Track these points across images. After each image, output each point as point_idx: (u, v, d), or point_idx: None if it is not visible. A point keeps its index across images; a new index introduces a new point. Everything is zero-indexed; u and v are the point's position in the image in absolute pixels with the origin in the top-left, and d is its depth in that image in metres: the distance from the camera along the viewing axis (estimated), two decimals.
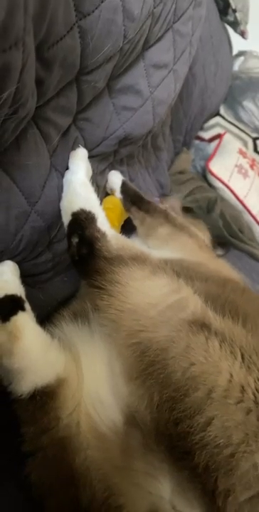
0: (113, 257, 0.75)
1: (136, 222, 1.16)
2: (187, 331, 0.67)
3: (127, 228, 1.18)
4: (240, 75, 2.45)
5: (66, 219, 0.83)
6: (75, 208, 0.82)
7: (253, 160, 2.14)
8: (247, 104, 2.33)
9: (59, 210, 0.86)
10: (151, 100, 1.07)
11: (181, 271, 0.95)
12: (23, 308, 0.71)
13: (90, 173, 0.93)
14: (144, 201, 1.18)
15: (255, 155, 2.25)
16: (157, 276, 0.75)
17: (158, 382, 0.62)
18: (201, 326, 0.69)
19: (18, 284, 0.75)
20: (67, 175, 0.87)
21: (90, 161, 1.00)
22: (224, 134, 2.25)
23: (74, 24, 0.72)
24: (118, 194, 1.19)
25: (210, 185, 2.01)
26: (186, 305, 0.72)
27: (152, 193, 1.55)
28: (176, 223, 1.14)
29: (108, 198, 1.20)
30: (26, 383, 0.65)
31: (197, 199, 1.87)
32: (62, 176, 0.88)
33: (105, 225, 0.83)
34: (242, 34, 2.04)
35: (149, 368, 0.63)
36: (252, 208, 1.95)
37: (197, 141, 2.27)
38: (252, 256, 1.88)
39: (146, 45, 0.99)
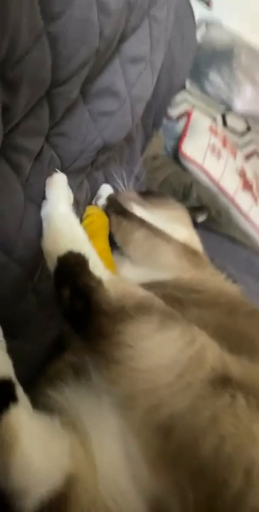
0: (115, 310, 0.62)
1: (112, 229, 1.03)
2: (210, 394, 0.57)
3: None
4: (203, 45, 2.28)
5: (51, 264, 0.69)
6: (61, 250, 0.68)
7: (224, 137, 2.01)
8: (213, 77, 2.18)
9: (40, 249, 0.71)
10: (130, 99, 0.91)
11: (182, 295, 0.83)
12: (14, 398, 0.56)
13: (71, 199, 0.77)
14: (125, 210, 1.05)
15: (224, 130, 2.12)
16: (167, 327, 0.62)
17: (190, 474, 0.51)
18: (223, 382, 0.59)
19: (5, 359, 0.60)
20: (46, 208, 0.72)
21: (68, 178, 0.85)
22: (192, 111, 2.09)
23: (42, 31, 0.55)
24: (102, 201, 1.06)
25: (183, 168, 1.87)
26: (204, 359, 0.61)
27: (128, 188, 1.40)
28: (151, 227, 1.01)
29: (93, 207, 1.06)
30: (30, 500, 0.51)
31: (173, 186, 1.74)
32: (40, 207, 0.73)
33: (99, 266, 0.69)
34: (208, 4, 1.86)
35: (176, 457, 0.52)
36: (228, 189, 1.84)
37: (165, 121, 2.10)
38: (232, 240, 1.78)
39: (122, 39, 0.82)
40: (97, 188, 1.08)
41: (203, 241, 1.59)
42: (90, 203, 1.05)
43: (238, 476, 0.50)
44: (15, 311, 0.72)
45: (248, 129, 2.17)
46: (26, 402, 0.59)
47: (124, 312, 0.62)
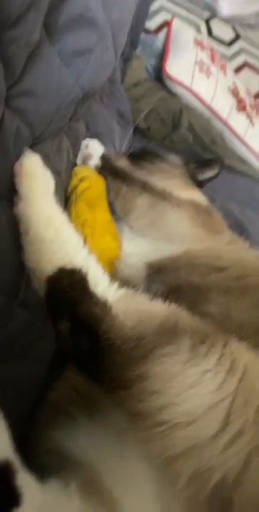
0: (132, 345, 0.46)
1: (111, 196, 0.84)
2: None
3: None
4: None
5: (39, 287, 0.51)
6: (49, 268, 0.50)
7: (212, 49, 1.73)
8: None
9: (19, 259, 0.52)
10: (110, 28, 0.67)
11: (200, 279, 0.66)
12: (16, 497, 0.40)
13: (52, 184, 0.57)
14: (122, 171, 0.87)
15: (211, 41, 1.83)
16: (201, 355, 0.47)
17: None
18: None
19: (3, 434, 0.43)
20: (20, 207, 0.52)
21: (42, 145, 0.64)
22: (172, 19, 1.78)
23: None
24: (95, 161, 0.85)
25: (170, 91, 1.61)
26: (251, 388, 0.47)
27: (113, 130, 1.17)
28: (155, 191, 0.83)
29: (84, 168, 0.85)
30: None
31: (160, 115, 1.50)
32: (8, 200, 0.53)
33: (102, 280, 0.52)
34: None
35: None
36: (221, 111, 1.60)
37: (142, 35, 1.79)
38: (229, 169, 1.58)
39: None
40: (80, 143, 0.86)
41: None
42: (75, 164, 0.84)
43: None
44: (3, 337, 0.55)
45: (237, 37, 1.87)
46: (33, 489, 0.43)
47: (143, 346, 0.46)
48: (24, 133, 0.56)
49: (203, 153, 1.56)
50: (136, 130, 1.46)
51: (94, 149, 0.86)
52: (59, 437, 0.53)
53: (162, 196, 0.80)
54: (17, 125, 0.54)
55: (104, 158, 0.86)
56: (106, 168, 0.84)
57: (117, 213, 0.81)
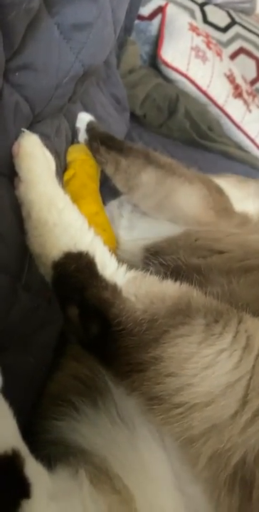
0: (144, 328, 0.44)
1: (109, 170, 0.78)
2: None
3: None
4: None
5: (46, 273, 0.49)
6: (55, 253, 0.47)
7: (207, 35, 1.70)
8: None
9: (22, 237, 0.50)
10: (110, 1, 0.65)
11: (201, 262, 0.64)
12: (25, 487, 0.37)
13: (53, 165, 0.55)
14: (115, 139, 0.80)
15: (206, 27, 1.80)
16: (216, 334, 0.45)
17: None
18: None
19: (10, 422, 0.41)
20: (21, 190, 0.50)
21: (42, 125, 0.61)
22: (166, 5, 1.75)
23: None
24: (82, 135, 0.81)
25: (165, 78, 1.59)
26: None
27: (111, 115, 1.15)
28: (161, 164, 0.75)
29: (75, 146, 0.81)
30: None
31: (156, 102, 1.47)
32: (10, 178, 0.50)
33: (110, 263, 0.50)
34: None
35: None
36: (217, 98, 1.58)
37: (136, 21, 1.76)
38: (226, 155, 1.57)
39: None
40: None
41: (196, 161, 1.36)
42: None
43: None
44: (5, 320, 0.53)
45: (232, 22, 1.85)
46: (42, 478, 0.41)
47: (156, 328, 0.44)
48: (24, 109, 0.54)
49: (200, 140, 1.54)
50: (133, 117, 1.44)
51: (80, 122, 0.81)
52: (63, 428, 0.51)
53: (171, 169, 0.73)
54: (16, 100, 0.52)
55: (90, 128, 0.79)
56: (95, 138, 0.78)
57: (118, 188, 0.76)
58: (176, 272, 0.60)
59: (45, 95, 0.57)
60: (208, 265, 0.62)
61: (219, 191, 0.76)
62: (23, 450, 0.40)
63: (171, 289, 0.50)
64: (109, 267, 0.50)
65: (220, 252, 0.65)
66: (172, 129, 1.51)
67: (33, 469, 0.39)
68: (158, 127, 1.51)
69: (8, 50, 0.47)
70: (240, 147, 1.65)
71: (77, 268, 0.48)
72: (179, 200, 0.72)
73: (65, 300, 0.48)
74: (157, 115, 1.50)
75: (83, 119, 0.82)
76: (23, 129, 0.52)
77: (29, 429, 0.52)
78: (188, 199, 0.72)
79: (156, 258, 0.64)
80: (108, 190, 0.89)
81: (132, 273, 0.51)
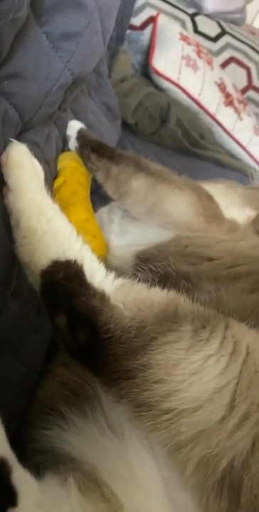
0: (132, 335, 0.44)
1: (99, 177, 0.78)
2: None
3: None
4: None
5: (34, 281, 0.49)
6: (44, 261, 0.48)
7: (198, 45, 1.72)
8: None
9: (9, 247, 0.50)
10: (98, 11, 0.66)
11: (190, 269, 0.64)
12: (12, 496, 0.38)
13: (42, 174, 0.55)
14: (106, 146, 0.80)
15: (196, 37, 1.83)
16: (203, 340, 0.46)
17: None
18: None
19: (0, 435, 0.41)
20: (10, 199, 0.50)
21: (31, 133, 0.62)
22: (157, 16, 1.78)
23: None
24: (73, 143, 0.82)
25: (157, 87, 1.61)
26: (256, 369, 0.46)
27: (102, 123, 1.16)
28: (151, 171, 0.76)
29: (66, 154, 0.82)
30: None
31: (148, 110, 1.48)
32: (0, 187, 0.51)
33: (98, 270, 0.50)
34: None
35: None
36: (208, 106, 1.60)
37: (127, 31, 1.78)
38: (218, 163, 1.58)
39: None
40: None
41: (188, 169, 1.37)
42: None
43: None
44: None
45: (222, 32, 1.87)
46: (30, 486, 0.41)
47: (144, 335, 0.44)
48: (13, 117, 0.54)
49: (192, 148, 1.55)
50: (125, 126, 1.45)
51: (71, 129, 0.82)
52: (51, 437, 0.51)
53: (161, 176, 0.74)
54: (5, 108, 0.52)
55: (81, 135, 0.80)
56: (86, 146, 0.78)
57: (109, 195, 0.76)
58: (165, 279, 0.60)
59: (35, 103, 0.58)
60: (197, 272, 0.62)
61: (209, 198, 0.76)
62: (11, 458, 0.40)
63: (158, 296, 0.50)
64: (97, 275, 0.50)
65: (210, 259, 0.66)
66: (164, 137, 1.53)
67: (21, 478, 0.39)
68: (150, 135, 1.52)
69: None
70: (231, 155, 1.67)
71: (66, 276, 0.48)
72: (169, 206, 0.72)
73: (53, 308, 0.48)
74: (149, 123, 1.51)
75: (74, 126, 0.83)
76: (11, 138, 0.53)
77: (18, 437, 0.52)
78: (178, 205, 0.73)
79: (146, 265, 0.64)
80: (99, 198, 0.89)
81: (120, 281, 0.51)
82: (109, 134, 1.17)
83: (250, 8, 2.13)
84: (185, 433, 0.42)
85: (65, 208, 0.68)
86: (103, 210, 0.87)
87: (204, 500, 0.40)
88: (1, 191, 0.51)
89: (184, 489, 0.42)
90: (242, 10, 1.96)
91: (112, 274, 0.51)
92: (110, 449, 0.47)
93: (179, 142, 1.52)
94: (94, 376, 0.48)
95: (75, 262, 0.49)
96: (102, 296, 0.47)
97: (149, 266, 0.63)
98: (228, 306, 0.55)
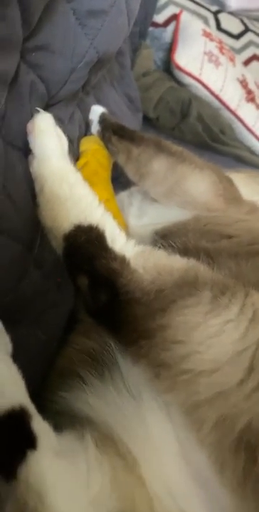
0: (152, 297, 0.45)
1: (120, 159, 0.80)
2: None
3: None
4: None
5: (57, 245, 0.51)
6: (66, 226, 0.49)
7: (221, 41, 1.73)
8: None
9: (34, 214, 0.52)
10: None
11: (210, 245, 0.65)
12: (31, 440, 0.39)
13: (66, 143, 0.57)
14: (126, 129, 0.82)
15: (219, 34, 1.83)
16: (223, 306, 0.46)
17: None
18: None
19: (12, 376, 0.43)
20: (34, 165, 0.52)
21: (56, 109, 0.63)
22: (180, 12, 1.79)
23: None
24: (95, 127, 0.83)
25: (178, 82, 1.62)
26: None
27: (124, 113, 1.17)
28: (172, 151, 0.77)
29: (89, 137, 0.83)
30: None
31: (169, 104, 1.50)
32: (24, 152, 0.52)
33: (119, 236, 0.51)
34: None
35: None
36: (230, 102, 1.60)
37: (150, 28, 1.79)
38: (238, 159, 1.58)
39: None
40: None
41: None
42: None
43: None
44: (16, 293, 0.54)
45: (245, 30, 1.87)
46: (48, 434, 0.42)
47: (163, 297, 0.45)
48: (39, 88, 0.56)
49: (213, 144, 1.56)
50: (146, 120, 1.46)
51: (93, 113, 0.83)
52: (70, 399, 0.52)
53: (181, 157, 0.74)
54: (32, 79, 0.54)
55: (102, 119, 0.81)
56: (107, 129, 0.80)
57: (130, 178, 0.77)
58: (183, 254, 0.61)
59: (61, 78, 0.60)
60: (216, 249, 0.63)
61: (229, 181, 0.77)
62: (31, 408, 0.42)
63: (178, 262, 0.51)
64: (118, 240, 0.51)
65: (229, 237, 0.66)
66: (184, 131, 1.53)
67: (40, 426, 0.41)
68: (170, 130, 1.53)
69: (26, 29, 0.50)
70: (252, 151, 1.66)
71: (87, 240, 0.49)
72: (189, 186, 0.73)
73: (75, 271, 0.50)
74: (170, 118, 1.52)
75: (96, 110, 0.85)
76: (37, 108, 0.54)
77: (37, 402, 0.54)
78: (198, 185, 0.73)
79: (165, 240, 0.65)
80: (121, 186, 0.91)
81: (141, 247, 0.52)
82: (131, 125, 1.18)
83: None
84: (203, 393, 0.42)
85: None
86: (123, 194, 0.88)
87: (221, 459, 0.41)
88: (26, 157, 0.52)
89: (200, 449, 0.42)
90: None
91: (133, 241, 0.53)
92: (127, 410, 0.48)
93: (199, 137, 1.53)
94: (113, 337, 0.49)
95: (97, 226, 0.50)
96: (123, 260, 0.49)
97: (168, 241, 0.64)
98: (248, 280, 0.55)
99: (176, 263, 0.51)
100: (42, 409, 0.51)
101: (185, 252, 0.62)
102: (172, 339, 0.44)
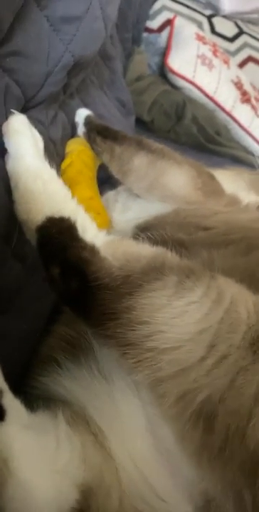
0: (119, 282, 0.48)
1: (105, 158, 0.83)
2: (252, 362, 0.45)
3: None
4: None
5: (31, 237, 0.54)
6: (39, 218, 0.52)
7: (214, 44, 1.76)
8: None
9: (11, 210, 0.55)
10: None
11: (186, 236, 0.67)
12: (1, 413, 0.42)
13: (41, 143, 0.60)
14: (110, 129, 0.85)
15: (214, 37, 1.86)
16: (187, 288, 0.48)
17: (243, 469, 0.40)
18: None
19: None
20: (10, 164, 0.55)
21: (36, 111, 0.67)
22: (174, 17, 1.83)
23: None
24: (81, 129, 0.87)
25: (173, 85, 1.65)
26: (238, 317, 0.48)
27: (115, 116, 1.21)
28: (152, 149, 0.80)
29: (75, 139, 0.87)
30: None
31: (163, 107, 1.53)
32: (3, 157, 0.56)
33: (90, 227, 0.54)
34: None
35: (223, 449, 0.41)
36: (224, 103, 1.63)
37: (145, 34, 1.84)
38: (234, 159, 1.60)
39: None
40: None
41: (205, 165, 1.40)
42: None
43: None
44: None
45: (240, 32, 1.90)
46: (18, 410, 0.45)
47: (130, 282, 0.48)
48: (15, 91, 0.59)
49: (208, 145, 1.58)
50: (141, 123, 1.50)
51: (79, 116, 0.86)
52: (48, 383, 0.55)
53: (161, 153, 0.78)
54: (7, 83, 0.58)
55: (88, 121, 0.85)
56: (92, 130, 0.83)
57: (114, 175, 0.80)
58: (160, 245, 0.64)
59: (36, 81, 0.63)
60: (192, 240, 0.65)
61: (210, 176, 0.79)
62: (3, 385, 0.44)
63: (146, 249, 0.53)
64: (89, 231, 0.54)
65: (206, 229, 0.68)
66: (180, 134, 1.56)
67: (10, 401, 0.44)
68: (166, 133, 1.56)
69: None
70: (248, 151, 1.68)
71: (59, 231, 0.52)
72: (168, 180, 0.76)
73: (48, 261, 0.52)
74: (165, 121, 1.55)
75: (81, 114, 0.88)
76: (12, 110, 0.58)
77: (18, 389, 0.56)
78: (176, 179, 0.76)
79: (144, 233, 0.68)
80: (109, 186, 0.94)
81: (111, 237, 0.55)
82: (123, 128, 1.22)
83: None
84: (166, 370, 0.44)
85: (71, 186, 0.73)
86: (110, 193, 0.91)
87: (181, 430, 0.43)
88: (3, 158, 0.56)
89: (164, 422, 0.45)
90: None
91: (104, 232, 0.55)
92: (99, 390, 0.50)
93: (195, 139, 1.55)
94: (84, 321, 0.52)
95: (68, 218, 0.53)
96: (93, 249, 0.51)
97: (147, 234, 0.67)
98: (219, 268, 0.57)
99: (143, 251, 0.53)
100: (24, 396, 0.54)
101: (162, 243, 0.65)
102: (137, 320, 0.46)
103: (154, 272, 0.50)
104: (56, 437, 0.45)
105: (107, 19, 0.74)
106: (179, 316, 0.47)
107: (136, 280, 0.49)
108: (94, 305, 0.49)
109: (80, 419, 0.48)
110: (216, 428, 0.41)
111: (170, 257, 0.53)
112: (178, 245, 0.64)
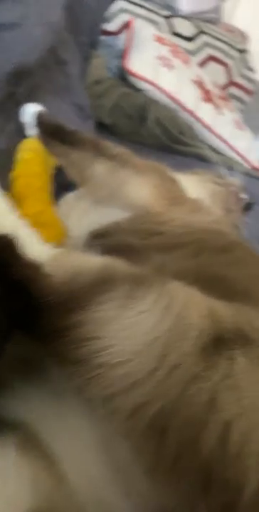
0: (65, 298, 0.46)
1: (61, 162, 0.80)
2: (204, 369, 0.43)
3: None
4: None
5: None
6: None
7: (174, 45, 1.77)
8: None
9: None
10: (37, 2, 0.69)
11: (138, 241, 0.66)
12: None
13: None
14: (66, 132, 0.80)
15: (173, 38, 1.87)
16: (138, 297, 0.47)
17: (197, 479, 0.39)
18: (216, 345, 0.45)
19: None
20: None
21: None
22: (131, 20, 1.83)
23: None
24: (31, 130, 0.81)
25: (134, 88, 1.65)
26: (189, 322, 0.46)
27: (73, 120, 1.19)
28: (112, 154, 0.77)
29: (25, 142, 0.82)
30: None
31: (124, 110, 1.52)
32: None
33: (33, 242, 0.52)
34: None
35: (177, 460, 0.39)
36: (186, 103, 1.63)
37: (103, 37, 1.84)
38: (200, 158, 1.61)
39: None
40: None
41: (171, 166, 1.40)
42: None
43: (254, 471, 0.38)
44: None
45: (199, 32, 1.92)
46: None
47: (78, 297, 0.46)
48: None
49: (173, 145, 1.59)
50: (102, 127, 1.49)
51: (26, 115, 0.80)
52: None
53: (121, 160, 0.75)
54: None
55: (40, 121, 0.79)
56: (46, 131, 0.78)
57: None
58: (113, 252, 0.62)
59: None
60: (144, 245, 0.64)
61: (172, 181, 0.78)
62: None
63: (94, 261, 0.52)
64: (32, 246, 0.52)
65: (161, 233, 0.68)
66: (144, 135, 1.56)
67: None
68: (129, 135, 1.55)
69: None
70: (213, 149, 1.69)
71: None
72: (130, 191, 0.74)
73: None
74: (127, 123, 1.55)
75: (29, 111, 0.80)
76: None
77: None
78: (138, 190, 0.74)
79: (97, 240, 0.66)
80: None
81: (57, 250, 0.53)
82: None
83: (227, 7, 2.19)
84: (116, 385, 0.43)
85: (18, 201, 0.71)
86: (69, 196, 0.88)
87: (135, 444, 0.42)
88: None
89: (118, 438, 0.43)
90: (217, 9, 2.02)
91: (49, 245, 0.54)
92: (51, 410, 0.49)
93: (159, 140, 1.56)
94: (33, 340, 0.50)
95: (8, 235, 0.51)
96: (35, 266, 0.50)
97: (100, 241, 0.65)
98: (171, 272, 0.56)
99: (91, 263, 0.52)
100: None
101: (112, 250, 0.64)
102: (86, 336, 0.45)
103: (103, 283, 0.49)
104: (3, 466, 0.43)
105: (48, 25, 0.73)
106: (129, 328, 0.46)
107: (85, 294, 0.48)
108: (41, 323, 0.47)
109: (31, 444, 0.46)
110: (170, 439, 0.40)
111: (119, 265, 0.52)
112: (129, 251, 0.63)
